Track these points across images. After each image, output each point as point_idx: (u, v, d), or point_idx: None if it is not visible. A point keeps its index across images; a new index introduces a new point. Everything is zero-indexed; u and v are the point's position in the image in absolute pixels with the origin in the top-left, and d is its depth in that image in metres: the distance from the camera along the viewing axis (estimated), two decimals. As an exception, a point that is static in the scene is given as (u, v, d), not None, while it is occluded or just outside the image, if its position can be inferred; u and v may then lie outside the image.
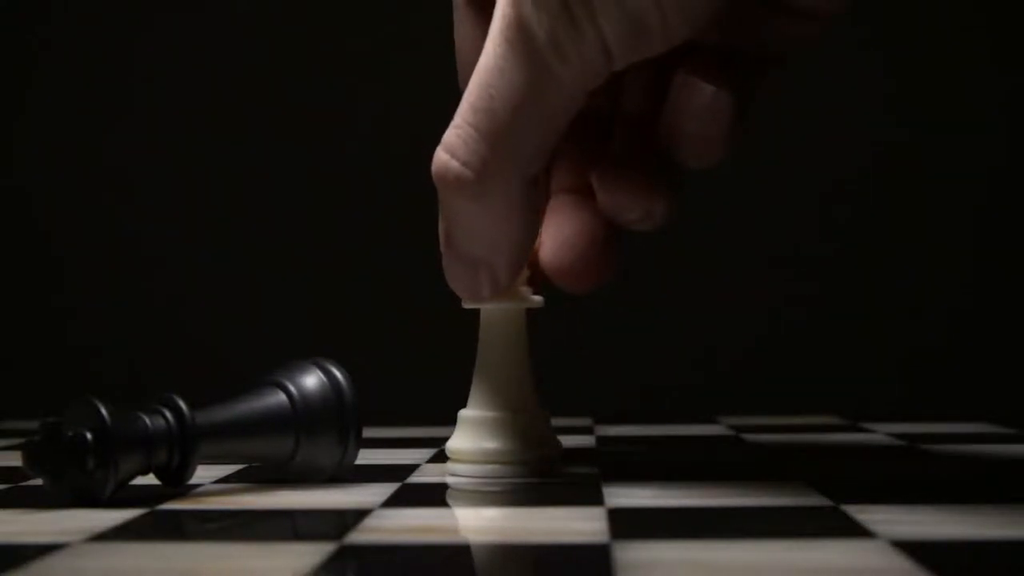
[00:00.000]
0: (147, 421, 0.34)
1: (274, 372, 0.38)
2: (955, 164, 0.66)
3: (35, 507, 0.34)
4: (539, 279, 0.38)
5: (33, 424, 0.35)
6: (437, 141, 0.35)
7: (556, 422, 0.40)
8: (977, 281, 0.66)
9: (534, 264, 0.38)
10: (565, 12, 0.32)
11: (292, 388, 0.37)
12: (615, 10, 0.32)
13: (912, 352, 0.65)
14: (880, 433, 0.52)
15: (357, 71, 0.67)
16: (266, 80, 0.67)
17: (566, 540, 0.29)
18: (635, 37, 0.32)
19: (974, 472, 0.41)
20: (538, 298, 0.39)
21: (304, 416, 0.37)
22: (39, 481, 0.34)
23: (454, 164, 0.34)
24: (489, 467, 0.38)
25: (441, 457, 0.42)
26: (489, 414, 0.38)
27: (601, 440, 0.51)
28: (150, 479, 0.35)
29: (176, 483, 0.35)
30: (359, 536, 0.29)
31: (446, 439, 0.40)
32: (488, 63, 0.34)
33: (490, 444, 0.38)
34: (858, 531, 0.29)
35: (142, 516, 0.32)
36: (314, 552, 0.27)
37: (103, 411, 0.33)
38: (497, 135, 0.34)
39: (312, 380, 0.37)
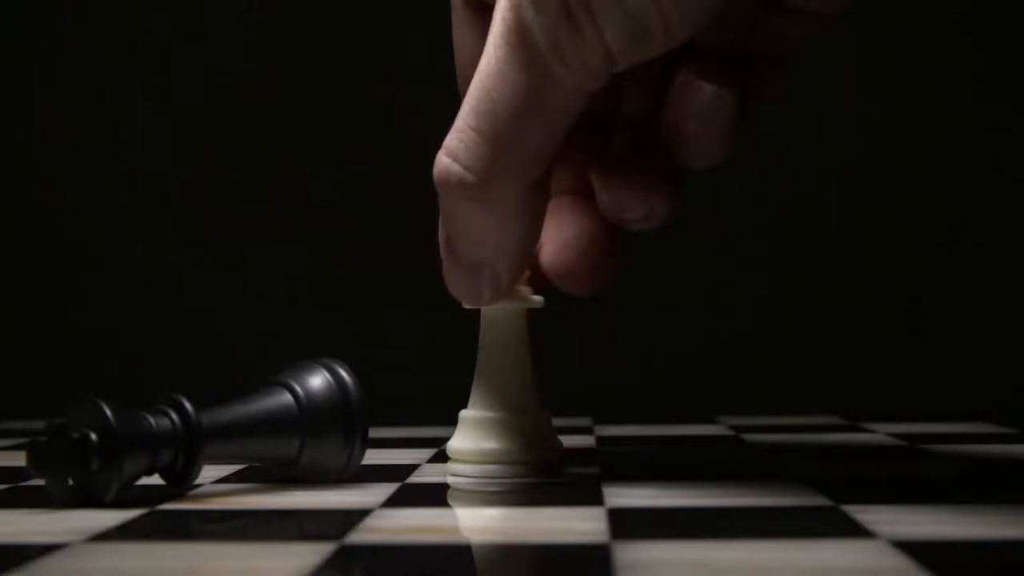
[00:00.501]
0: (152, 422, 0.34)
1: (281, 372, 0.37)
2: (956, 159, 0.66)
3: (35, 507, 0.34)
4: (540, 281, 0.38)
5: (34, 424, 0.35)
6: (439, 140, 0.35)
7: (556, 422, 0.40)
8: (977, 281, 0.65)
9: (535, 266, 0.38)
10: (565, 15, 0.32)
11: (298, 389, 0.37)
12: (615, 12, 0.32)
13: (912, 352, 0.65)
14: (880, 433, 0.52)
15: (360, 72, 0.67)
16: (270, 82, 0.67)
17: (566, 540, 0.29)
18: (635, 39, 0.32)
19: (974, 472, 0.41)
20: (538, 298, 0.39)
21: (310, 417, 0.37)
22: (40, 481, 0.34)
23: (456, 168, 0.34)
24: (490, 467, 0.38)
25: (442, 457, 0.42)
26: (490, 414, 0.38)
27: (601, 440, 0.51)
28: (152, 479, 0.35)
29: (181, 484, 0.35)
30: (359, 536, 0.29)
31: (447, 439, 0.40)
32: (488, 66, 0.34)
33: (491, 444, 0.38)
34: (858, 531, 0.29)
35: (143, 516, 0.32)
36: (314, 552, 0.27)
37: (108, 412, 0.33)
38: (499, 138, 0.34)
39: (318, 381, 0.37)
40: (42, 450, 0.33)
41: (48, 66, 0.68)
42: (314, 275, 0.67)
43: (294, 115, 0.67)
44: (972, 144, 0.66)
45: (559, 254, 0.37)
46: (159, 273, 0.67)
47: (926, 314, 0.65)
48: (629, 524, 0.30)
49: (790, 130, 0.64)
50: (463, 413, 0.39)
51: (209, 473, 0.39)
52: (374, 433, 0.38)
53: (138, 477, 0.34)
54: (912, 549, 0.27)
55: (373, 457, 0.43)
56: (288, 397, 0.37)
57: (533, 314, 0.39)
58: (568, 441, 0.43)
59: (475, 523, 0.33)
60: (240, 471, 0.40)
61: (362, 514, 0.32)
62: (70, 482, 0.33)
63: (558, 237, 0.38)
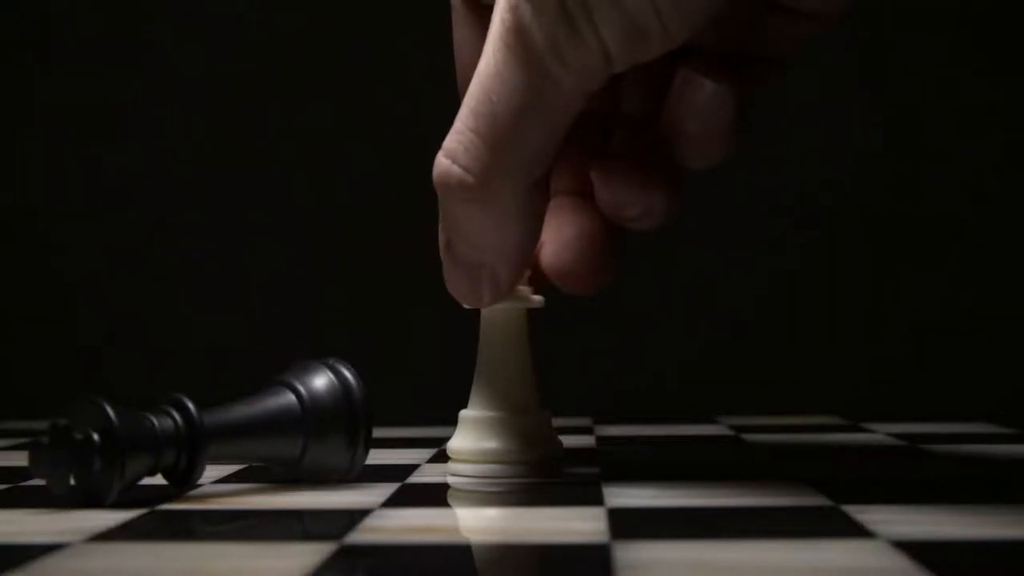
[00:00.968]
0: (154, 422, 0.34)
1: (284, 372, 0.37)
2: (956, 159, 0.66)
3: (36, 507, 0.34)
4: (540, 281, 0.38)
5: (35, 424, 0.35)
6: (439, 141, 0.35)
7: (556, 422, 0.40)
8: (977, 281, 0.66)
9: (535, 266, 0.38)
10: (563, 16, 0.32)
11: (301, 389, 0.37)
12: (613, 13, 0.32)
13: (912, 352, 0.65)
14: (880, 433, 0.52)
15: (359, 73, 0.67)
16: (270, 82, 0.67)
17: (566, 540, 0.29)
18: (634, 40, 0.32)
19: (974, 472, 0.41)
20: (538, 298, 0.39)
21: (313, 418, 0.36)
22: (41, 481, 0.34)
23: (456, 170, 0.34)
24: (490, 467, 0.38)
25: (442, 457, 0.42)
26: (490, 414, 0.38)
27: (601, 440, 0.51)
28: (154, 479, 0.35)
29: (183, 484, 0.35)
30: (359, 536, 0.29)
31: (447, 439, 0.40)
32: (488, 68, 0.34)
33: (491, 444, 0.38)
34: (858, 531, 0.29)
35: (143, 516, 0.32)
36: (314, 552, 0.27)
37: (110, 412, 0.33)
38: (498, 140, 0.34)
39: (322, 381, 0.37)
40: (44, 450, 0.33)
41: (48, 66, 0.68)
42: (314, 275, 0.67)
43: (294, 115, 0.67)
44: (972, 144, 0.66)
45: (559, 254, 0.37)
46: (159, 273, 0.67)
47: (926, 314, 0.65)
48: (629, 524, 0.30)
49: (790, 130, 0.64)
50: (463, 413, 0.39)
51: (209, 473, 0.39)
52: (375, 433, 0.38)
53: (140, 477, 0.34)
54: (912, 549, 0.27)
55: (373, 457, 0.43)
56: (291, 397, 0.37)
57: (533, 314, 0.39)
58: (568, 441, 0.43)
59: (475, 523, 0.33)
60: (240, 471, 0.40)
61: (362, 514, 0.32)
62: (72, 482, 0.33)
63: (558, 237, 0.37)
